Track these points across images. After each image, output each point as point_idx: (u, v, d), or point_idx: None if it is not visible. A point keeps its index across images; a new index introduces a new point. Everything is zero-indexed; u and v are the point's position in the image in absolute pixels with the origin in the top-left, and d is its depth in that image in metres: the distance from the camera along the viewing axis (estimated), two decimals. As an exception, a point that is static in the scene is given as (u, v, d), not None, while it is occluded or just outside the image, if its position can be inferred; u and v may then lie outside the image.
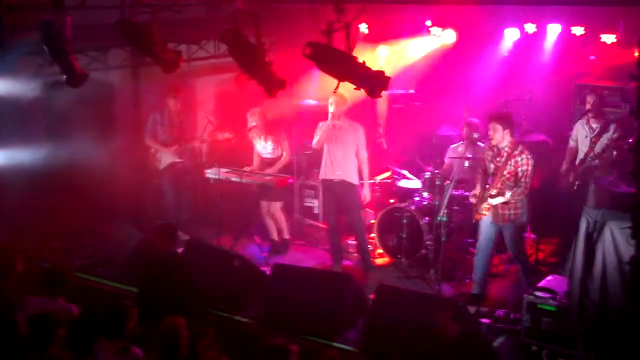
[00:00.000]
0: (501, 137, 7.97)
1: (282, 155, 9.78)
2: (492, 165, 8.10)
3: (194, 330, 5.68)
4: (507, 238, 8.25)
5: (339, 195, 9.05)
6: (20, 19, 8.02)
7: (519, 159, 7.90)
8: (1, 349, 5.51)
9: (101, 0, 8.65)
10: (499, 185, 7.91)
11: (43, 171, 9.12)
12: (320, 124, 9.02)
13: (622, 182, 8.47)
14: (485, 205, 8.02)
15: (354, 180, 9.00)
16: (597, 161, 8.74)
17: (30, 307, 6.18)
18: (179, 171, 10.33)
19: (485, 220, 8.20)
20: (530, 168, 7.91)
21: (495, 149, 8.08)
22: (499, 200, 7.88)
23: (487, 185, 8.09)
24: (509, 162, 7.93)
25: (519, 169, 7.88)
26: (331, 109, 8.80)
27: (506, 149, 7.98)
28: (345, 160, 8.92)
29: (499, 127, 7.95)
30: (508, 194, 7.77)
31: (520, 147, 8.01)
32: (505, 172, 7.94)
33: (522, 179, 7.87)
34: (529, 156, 7.94)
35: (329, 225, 9.27)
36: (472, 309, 7.72)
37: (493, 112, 8.43)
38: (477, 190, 8.22)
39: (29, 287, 6.51)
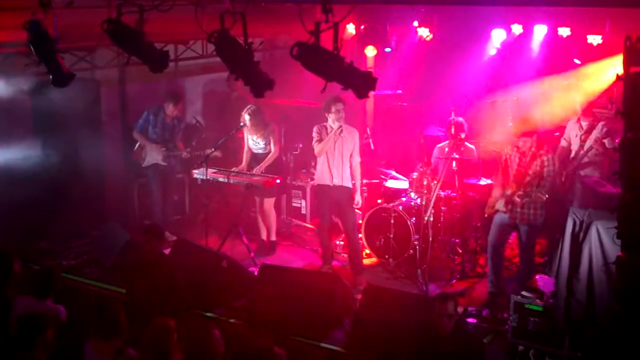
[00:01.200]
0: (531, 143, 8.03)
1: (271, 151, 9.77)
2: (515, 165, 8.13)
3: (200, 328, 5.70)
4: (522, 237, 8.27)
5: (336, 200, 8.97)
6: (6, 19, 7.97)
7: (545, 158, 7.95)
8: None
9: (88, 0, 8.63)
10: (523, 185, 7.96)
11: (30, 172, 9.07)
12: (316, 128, 8.89)
13: (608, 182, 8.53)
14: (502, 202, 8.07)
15: (350, 184, 8.96)
16: (586, 159, 8.81)
17: (18, 307, 6.17)
18: (163, 170, 10.28)
19: (500, 219, 8.23)
20: (555, 168, 8.03)
21: (520, 149, 8.10)
22: (518, 200, 7.91)
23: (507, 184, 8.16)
24: (535, 162, 7.98)
25: (545, 169, 7.92)
26: (339, 115, 8.65)
27: (532, 149, 8.02)
28: (343, 166, 8.85)
29: (529, 139, 8.01)
30: (544, 195, 7.79)
31: (545, 147, 8.08)
32: (530, 172, 7.98)
33: (547, 179, 7.92)
34: (554, 156, 8.06)
35: (322, 228, 9.16)
36: (459, 309, 7.73)
37: (520, 130, 8.18)
38: (497, 190, 8.25)
39: (19, 288, 6.49)
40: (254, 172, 9.67)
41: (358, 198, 9.10)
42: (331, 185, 8.87)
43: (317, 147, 8.88)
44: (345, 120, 8.83)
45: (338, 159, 8.81)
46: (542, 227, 8.25)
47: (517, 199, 7.94)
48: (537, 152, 8.00)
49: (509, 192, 8.06)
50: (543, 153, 7.99)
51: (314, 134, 8.89)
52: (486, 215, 8.52)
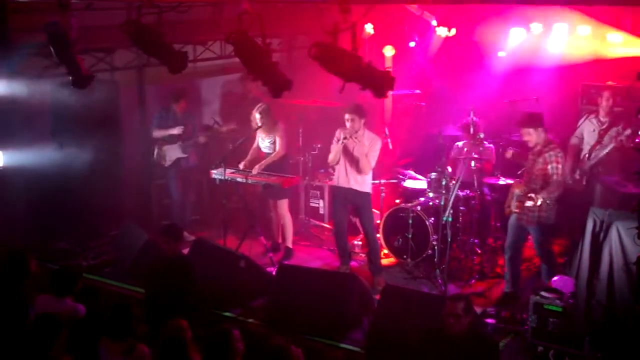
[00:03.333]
0: (536, 138, 7.94)
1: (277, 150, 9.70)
2: (528, 164, 8.07)
3: (221, 327, 5.72)
4: (533, 239, 8.21)
5: (353, 202, 8.88)
6: (26, 21, 8.03)
7: (547, 155, 7.82)
8: (14, 347, 5.55)
9: (107, 1, 8.67)
10: (528, 184, 7.90)
11: (49, 172, 9.12)
12: (338, 131, 8.75)
13: (629, 182, 8.46)
14: (515, 203, 8.02)
15: (368, 189, 8.83)
16: (603, 154, 8.72)
17: (38, 305, 6.23)
18: (185, 169, 10.32)
19: (513, 220, 8.18)
20: (560, 166, 7.82)
21: (530, 147, 8.05)
22: (529, 204, 7.67)
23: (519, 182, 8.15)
24: (539, 159, 7.87)
25: (548, 166, 7.78)
26: (347, 124, 8.56)
27: (538, 146, 7.93)
28: (360, 171, 8.70)
29: (531, 130, 7.91)
30: (539, 200, 7.51)
31: (551, 144, 7.94)
32: (535, 170, 7.90)
33: (554, 177, 7.76)
34: (559, 154, 7.86)
35: (338, 229, 9.07)
36: (478, 310, 7.72)
37: (521, 117, 8.15)
38: (513, 187, 8.19)
39: (38, 288, 6.55)
40: (253, 170, 9.58)
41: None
42: (347, 188, 8.80)
43: (330, 155, 8.81)
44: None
45: (354, 165, 8.68)
46: (555, 227, 8.14)
47: (528, 201, 7.87)
48: (542, 149, 7.88)
49: (519, 192, 7.99)
50: (547, 150, 7.85)
51: (334, 139, 8.80)
52: (506, 214, 8.45)
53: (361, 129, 8.62)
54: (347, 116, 8.56)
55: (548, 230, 8.13)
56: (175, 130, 10.08)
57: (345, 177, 8.78)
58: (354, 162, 8.68)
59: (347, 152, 8.73)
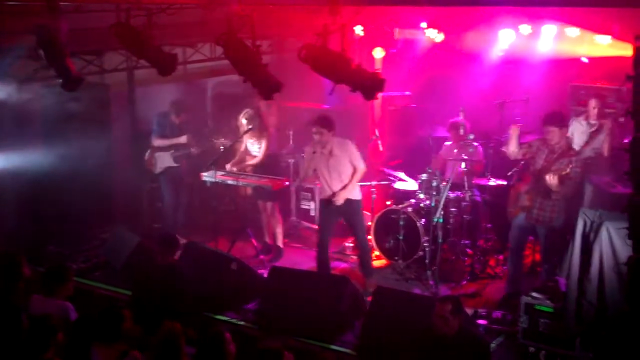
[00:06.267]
0: (559, 137, 7.87)
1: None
2: (541, 161, 7.97)
3: (212, 330, 5.72)
4: (540, 239, 8.21)
5: (342, 213, 8.68)
6: (15, 24, 8.01)
7: (574, 159, 7.74)
8: (8, 352, 5.53)
9: (97, 3, 8.65)
10: (539, 181, 7.83)
11: (39, 175, 9.09)
12: (307, 149, 8.58)
13: (618, 183, 8.48)
14: (525, 197, 7.98)
15: (355, 195, 8.62)
16: (593, 155, 8.74)
17: (32, 306, 6.21)
18: (176, 174, 10.29)
19: (519, 220, 8.15)
20: (580, 171, 7.83)
21: (549, 146, 7.96)
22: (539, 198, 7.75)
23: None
24: (561, 160, 7.80)
25: (570, 169, 7.65)
26: (315, 138, 8.33)
27: (560, 148, 7.87)
28: (342, 182, 8.47)
29: (556, 129, 7.84)
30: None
31: (573, 150, 7.94)
32: (553, 168, 7.81)
33: (572, 178, 7.72)
34: (580, 159, 7.92)
35: (322, 241, 8.73)
36: (469, 310, 7.73)
37: (546, 115, 8.02)
38: (525, 189, 8.11)
39: (31, 292, 6.53)
40: (226, 168, 9.61)
41: (341, 194, 8.46)
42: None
43: (301, 172, 8.65)
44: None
45: (333, 175, 8.48)
46: (560, 230, 8.15)
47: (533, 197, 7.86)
48: (567, 151, 7.84)
49: (525, 190, 7.97)
50: (573, 153, 7.84)
51: (304, 155, 8.66)
52: (509, 218, 8.32)
53: (330, 142, 8.37)
54: (314, 129, 8.31)
55: (554, 233, 8.11)
56: (182, 139, 10.03)
57: (330, 191, 8.52)
58: (337, 175, 8.46)
59: (323, 167, 8.48)
